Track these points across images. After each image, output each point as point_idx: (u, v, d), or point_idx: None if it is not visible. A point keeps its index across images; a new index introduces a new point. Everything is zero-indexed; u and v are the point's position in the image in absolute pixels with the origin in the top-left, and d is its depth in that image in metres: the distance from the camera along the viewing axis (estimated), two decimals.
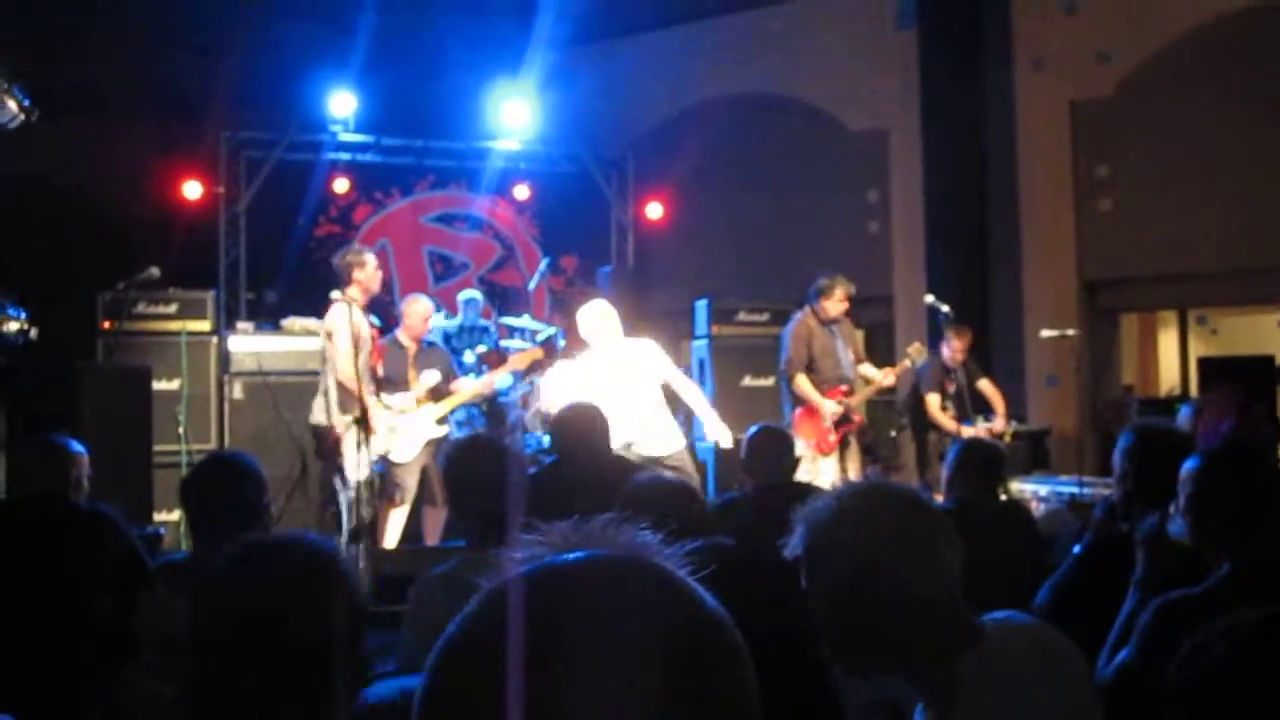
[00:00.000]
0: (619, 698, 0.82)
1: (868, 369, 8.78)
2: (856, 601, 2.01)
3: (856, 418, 8.55)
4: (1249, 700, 1.47)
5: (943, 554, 2.05)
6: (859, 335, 8.94)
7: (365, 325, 7.55)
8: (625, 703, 0.82)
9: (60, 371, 7.29)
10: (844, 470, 8.45)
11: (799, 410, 8.60)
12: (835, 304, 8.54)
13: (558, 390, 7.41)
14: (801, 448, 8.57)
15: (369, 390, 7.49)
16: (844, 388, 8.51)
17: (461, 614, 0.90)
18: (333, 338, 7.56)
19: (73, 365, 7.74)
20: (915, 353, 8.81)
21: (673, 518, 2.69)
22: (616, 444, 6.44)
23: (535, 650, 0.84)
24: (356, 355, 7.14)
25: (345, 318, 7.30)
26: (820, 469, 8.43)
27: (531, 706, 0.82)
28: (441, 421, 8.24)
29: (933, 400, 9.29)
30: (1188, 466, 3.02)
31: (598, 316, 7.40)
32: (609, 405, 5.86)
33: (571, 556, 0.90)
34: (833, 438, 8.47)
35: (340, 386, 7.49)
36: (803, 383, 8.53)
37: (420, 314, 8.38)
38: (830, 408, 8.43)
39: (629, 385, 7.20)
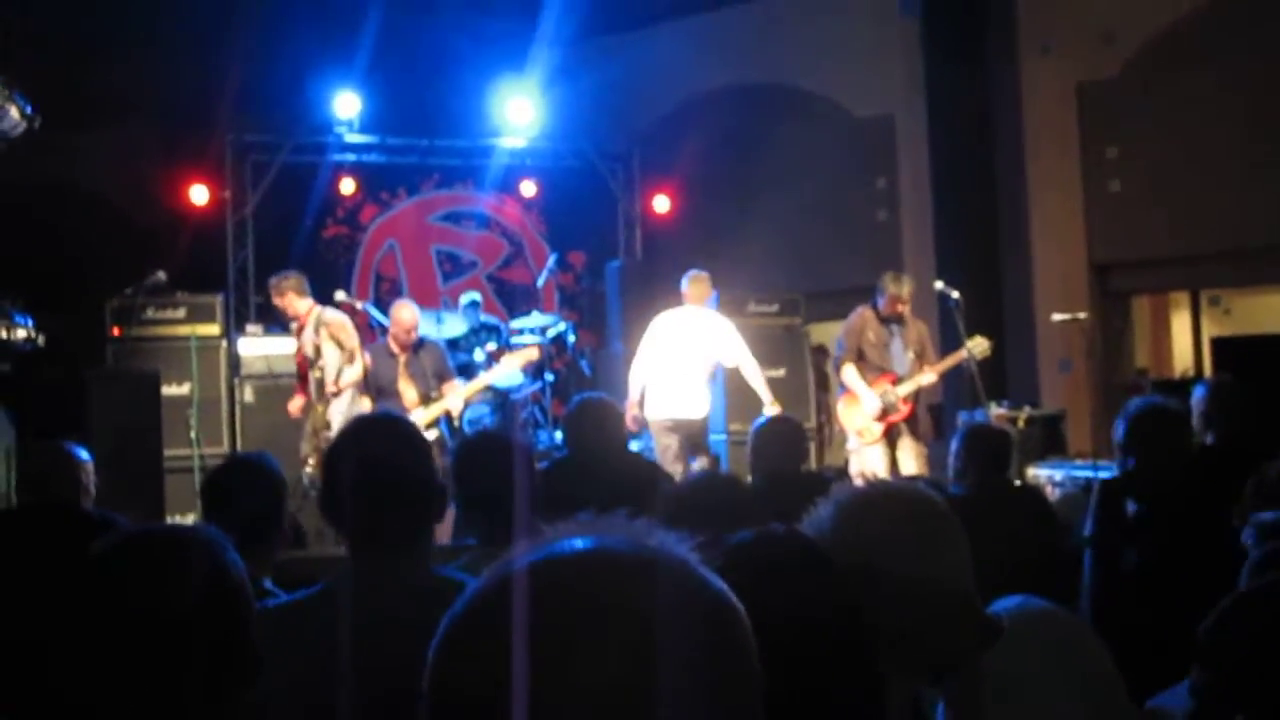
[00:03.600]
0: (620, 680, 0.83)
1: (926, 370, 8.49)
2: (871, 605, 1.98)
3: (904, 408, 8.42)
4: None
5: (946, 555, 2.01)
6: (928, 340, 8.74)
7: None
8: (626, 685, 0.83)
9: (69, 378, 7.29)
10: (894, 460, 8.38)
11: (843, 396, 8.59)
12: (887, 303, 8.43)
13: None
14: (852, 439, 8.58)
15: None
16: (891, 376, 8.43)
17: (463, 596, 0.91)
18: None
19: (82, 372, 7.74)
20: (975, 345, 8.61)
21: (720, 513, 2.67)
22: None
23: (537, 632, 0.84)
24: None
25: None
26: (866, 458, 8.40)
27: (533, 687, 0.82)
28: (431, 426, 8.16)
29: None
30: None
31: (686, 281, 8.91)
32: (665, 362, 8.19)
33: (576, 544, 0.91)
34: (876, 427, 8.40)
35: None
36: (848, 372, 8.47)
37: (402, 322, 8.32)
38: (872, 399, 8.35)
39: (689, 350, 8.46)
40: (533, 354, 9.20)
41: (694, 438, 8.57)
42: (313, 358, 8.04)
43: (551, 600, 0.86)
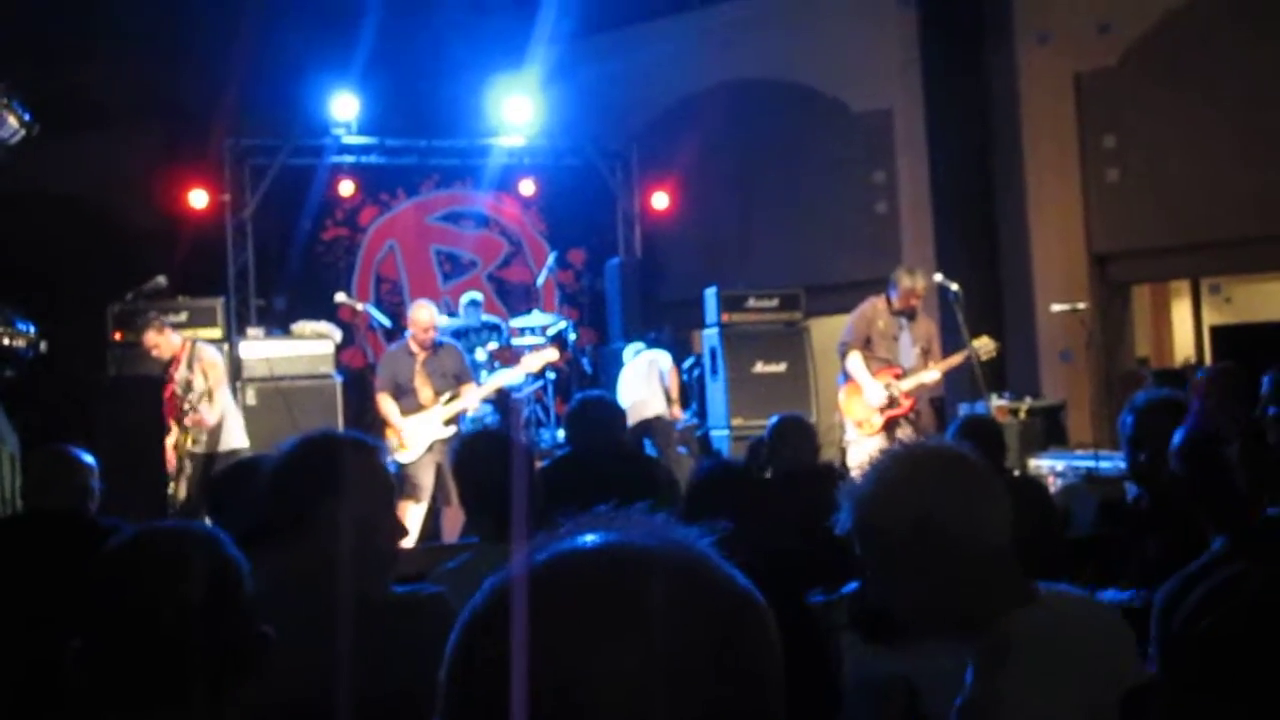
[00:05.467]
0: (636, 679, 0.82)
1: (930, 367, 8.47)
2: (909, 561, 2.00)
3: (906, 403, 8.37)
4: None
5: (992, 511, 2.05)
6: (935, 340, 8.71)
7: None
8: (642, 684, 0.82)
9: (72, 384, 7.30)
10: None
11: (845, 386, 8.53)
12: (900, 297, 8.36)
13: None
14: (850, 429, 8.55)
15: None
16: (896, 369, 8.41)
17: (478, 594, 0.90)
18: None
19: (84, 377, 7.76)
20: (981, 346, 8.56)
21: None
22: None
23: (550, 630, 0.83)
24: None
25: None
26: (865, 450, 8.33)
27: (546, 685, 0.81)
28: (450, 422, 8.30)
29: None
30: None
31: None
32: None
33: (593, 539, 0.90)
34: (877, 419, 8.35)
35: None
36: (853, 360, 8.38)
37: (420, 322, 8.44)
38: (875, 390, 8.31)
39: None
40: (553, 355, 9.29)
41: None
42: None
43: (566, 597, 0.85)
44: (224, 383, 8.58)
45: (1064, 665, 1.97)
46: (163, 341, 8.42)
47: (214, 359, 8.56)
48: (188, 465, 8.09)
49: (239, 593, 1.81)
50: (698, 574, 0.88)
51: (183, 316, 9.74)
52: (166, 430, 7.94)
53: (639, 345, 11.07)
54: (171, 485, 8.11)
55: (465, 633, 0.89)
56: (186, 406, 8.25)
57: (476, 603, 0.89)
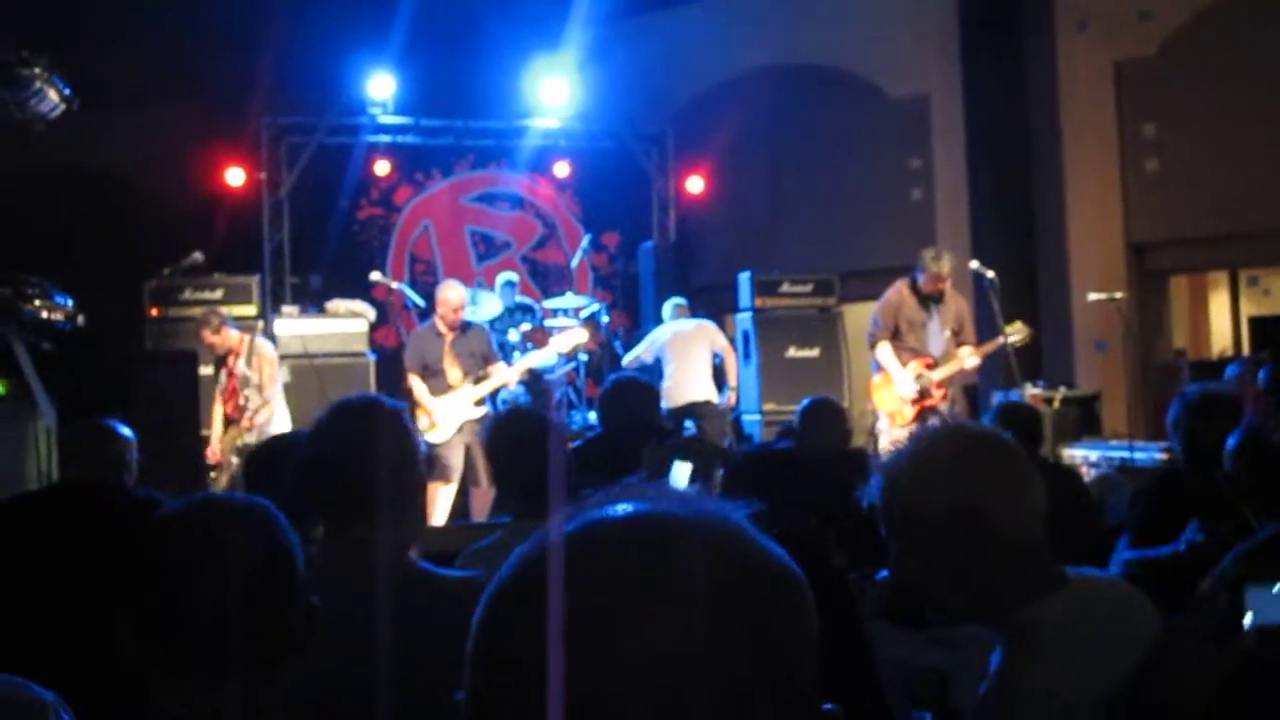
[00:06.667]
0: (667, 649, 0.80)
1: (966, 352, 8.37)
2: (943, 544, 1.99)
3: (938, 394, 8.27)
4: None
5: (1029, 495, 2.03)
6: (967, 318, 8.63)
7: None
8: (674, 654, 0.80)
9: (108, 358, 7.35)
10: None
11: (876, 376, 8.46)
12: (927, 280, 8.26)
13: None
14: (882, 419, 8.50)
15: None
16: (928, 359, 8.34)
17: (506, 564, 0.89)
18: None
19: (120, 352, 7.81)
20: (1015, 330, 8.44)
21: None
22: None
23: (580, 599, 0.82)
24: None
25: None
26: (896, 439, 8.25)
27: (577, 656, 0.80)
28: (480, 403, 8.33)
29: None
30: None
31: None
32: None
33: (625, 507, 0.88)
34: (909, 410, 8.27)
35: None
36: (883, 350, 8.31)
37: (449, 303, 8.43)
38: (906, 381, 8.24)
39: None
40: (583, 336, 9.28)
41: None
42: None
43: (596, 565, 0.84)
44: (278, 381, 8.53)
45: (1093, 652, 1.96)
46: (218, 341, 8.36)
47: (271, 356, 8.51)
48: (234, 460, 8.07)
49: (291, 565, 1.82)
50: (734, 545, 0.87)
51: (219, 293, 9.80)
52: (206, 422, 7.98)
53: (678, 300, 10.62)
54: (214, 477, 8.15)
55: (494, 603, 0.87)
56: (243, 402, 8.26)
57: (505, 573, 0.88)
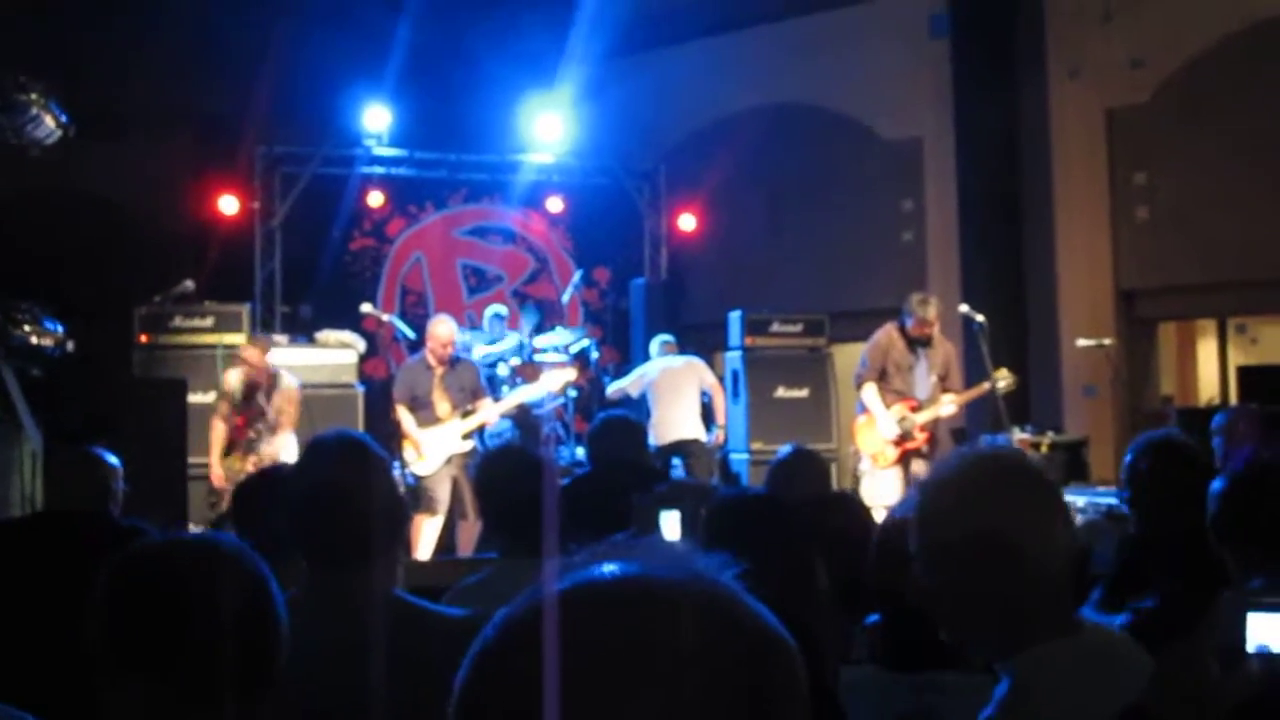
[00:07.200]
0: (661, 715, 0.79)
1: (947, 399, 8.41)
2: (967, 570, 1.97)
3: (921, 436, 8.31)
4: None
5: (1061, 531, 2.01)
6: (955, 363, 8.66)
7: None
8: (668, 719, 0.79)
9: (97, 384, 7.33)
10: (909, 488, 8.20)
11: (861, 418, 8.48)
12: (914, 325, 8.32)
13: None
14: (864, 461, 8.49)
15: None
16: (912, 402, 8.36)
17: (494, 623, 0.87)
18: None
19: (109, 378, 7.79)
20: (1000, 377, 8.49)
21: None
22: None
23: (569, 666, 0.80)
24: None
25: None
26: (878, 482, 8.27)
27: None
28: (467, 437, 8.33)
29: None
30: (1216, 488, 3.00)
31: None
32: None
33: (613, 570, 0.86)
34: (891, 452, 8.29)
35: None
36: (868, 391, 8.35)
37: (439, 338, 8.44)
38: (889, 423, 8.27)
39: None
40: (571, 374, 9.30)
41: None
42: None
43: (585, 632, 0.81)
44: (295, 420, 8.34)
45: (1097, 702, 1.95)
46: (259, 366, 8.22)
47: (295, 397, 8.37)
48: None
49: (264, 604, 1.81)
50: (725, 611, 0.85)
51: (209, 321, 9.78)
52: (202, 448, 7.85)
53: (666, 337, 10.63)
54: (216, 502, 8.03)
55: (476, 667, 0.85)
56: (253, 435, 8.14)
57: (488, 635, 0.86)
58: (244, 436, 8.19)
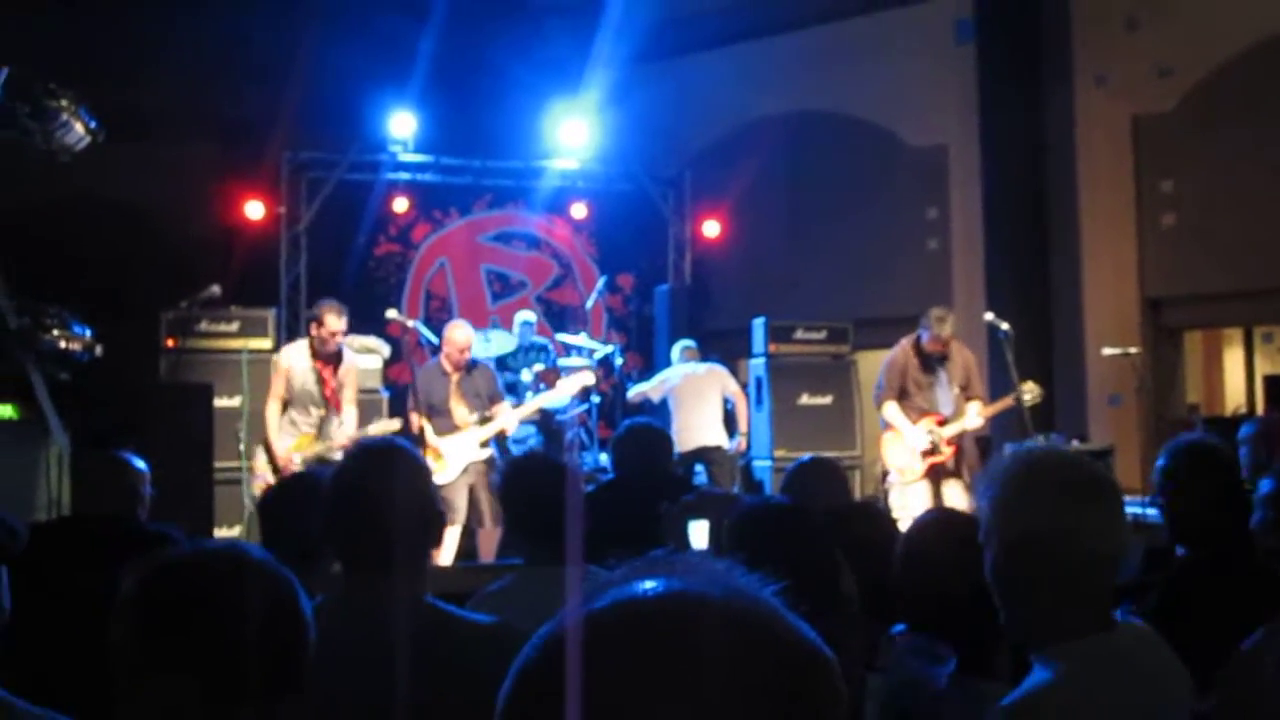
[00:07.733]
0: None
1: (974, 409, 8.37)
2: (1023, 562, 2.04)
3: (948, 450, 8.26)
4: None
5: (1119, 531, 2.08)
6: (974, 370, 8.58)
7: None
8: None
9: (124, 388, 7.37)
10: (938, 499, 8.11)
11: (887, 433, 8.45)
12: (930, 341, 8.27)
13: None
14: (892, 474, 8.46)
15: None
16: (938, 417, 8.32)
17: (533, 642, 0.87)
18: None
19: (136, 382, 7.82)
20: (1027, 389, 8.41)
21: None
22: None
23: (607, 686, 0.80)
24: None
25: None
26: (907, 495, 8.24)
27: None
28: (485, 445, 8.28)
29: None
30: (1265, 490, 3.01)
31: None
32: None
33: (651, 587, 0.85)
34: (919, 466, 8.25)
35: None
36: (890, 409, 8.34)
37: (455, 342, 8.36)
38: (917, 435, 8.24)
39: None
40: (589, 379, 9.25)
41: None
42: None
43: (624, 652, 0.81)
44: (355, 396, 8.18)
45: (1133, 698, 1.97)
46: (339, 327, 7.97)
47: (356, 370, 8.22)
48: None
49: (290, 606, 1.82)
50: (766, 629, 0.84)
51: (235, 326, 9.82)
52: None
53: (687, 343, 10.62)
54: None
55: (517, 685, 0.85)
56: (325, 413, 7.97)
57: (529, 654, 0.86)
58: (336, 402, 7.99)
